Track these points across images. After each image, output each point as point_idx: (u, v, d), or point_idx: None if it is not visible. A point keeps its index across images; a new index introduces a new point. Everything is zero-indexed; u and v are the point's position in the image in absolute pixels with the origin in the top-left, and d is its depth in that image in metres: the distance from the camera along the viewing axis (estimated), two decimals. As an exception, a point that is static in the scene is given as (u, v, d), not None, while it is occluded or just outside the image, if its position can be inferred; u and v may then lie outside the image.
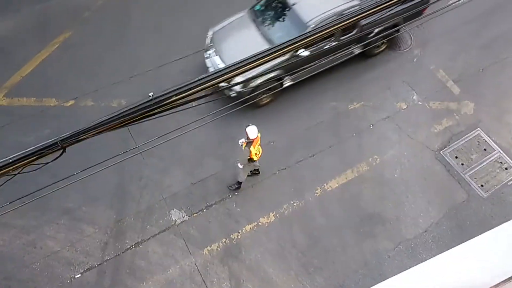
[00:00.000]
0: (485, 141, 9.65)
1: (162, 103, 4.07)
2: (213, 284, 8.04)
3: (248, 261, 8.27)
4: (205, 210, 8.73)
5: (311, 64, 9.00)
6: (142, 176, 9.03)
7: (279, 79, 9.33)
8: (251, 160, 8.10)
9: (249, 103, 8.72)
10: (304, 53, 8.51)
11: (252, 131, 7.80)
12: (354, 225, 8.67)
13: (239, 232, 8.54)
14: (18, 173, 3.89)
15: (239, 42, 9.47)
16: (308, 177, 9.13)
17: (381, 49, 10.61)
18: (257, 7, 9.84)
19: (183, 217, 8.65)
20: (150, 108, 4.05)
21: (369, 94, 10.16)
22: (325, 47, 9.17)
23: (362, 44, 9.88)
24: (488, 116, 9.94)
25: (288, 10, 9.39)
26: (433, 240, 8.56)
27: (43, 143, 3.84)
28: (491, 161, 9.42)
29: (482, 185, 9.13)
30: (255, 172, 8.97)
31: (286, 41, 4.20)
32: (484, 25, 11.20)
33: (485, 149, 9.56)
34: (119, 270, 8.13)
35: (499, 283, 3.49)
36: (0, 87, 9.92)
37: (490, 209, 8.89)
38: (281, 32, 9.28)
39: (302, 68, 9.14)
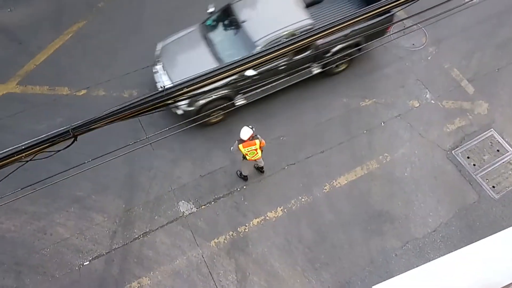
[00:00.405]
0: (498, 142, 9.52)
1: (173, 95, 4.09)
2: (219, 276, 8.09)
3: (255, 255, 8.30)
4: (213, 202, 8.77)
5: (264, 83, 8.60)
6: (151, 167, 9.09)
7: (229, 98, 8.94)
8: (243, 156, 8.10)
9: (197, 123, 8.17)
10: (252, 73, 8.05)
11: (243, 132, 7.73)
12: (362, 222, 8.64)
13: (246, 226, 8.57)
14: (30, 160, 3.95)
15: (187, 58, 9.05)
16: (317, 173, 9.11)
17: (341, 69, 10.07)
18: (208, 22, 9.35)
19: (191, 208, 8.70)
20: (161, 100, 4.07)
21: (382, 91, 10.07)
22: (278, 67, 8.75)
23: (320, 63, 9.42)
24: (502, 117, 9.80)
25: (238, 28, 8.89)
26: (442, 240, 8.50)
27: (55, 131, 3.89)
28: (503, 162, 9.29)
29: (493, 187, 9.02)
30: (259, 170, 8.97)
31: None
32: (500, 24, 11.00)
33: (498, 150, 9.43)
34: (127, 259, 8.22)
35: (508, 285, 3.45)
36: (14, 75, 10.03)
37: (501, 210, 8.79)
38: (230, 50, 8.82)
39: (253, 87, 8.78)
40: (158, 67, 9.15)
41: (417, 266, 3.66)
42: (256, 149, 7.93)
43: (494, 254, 3.64)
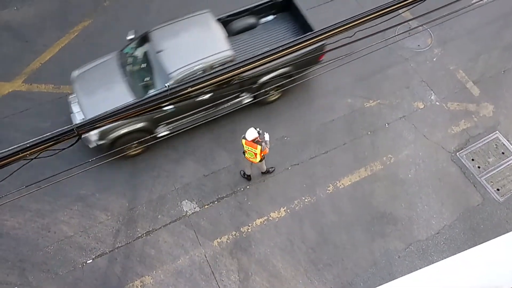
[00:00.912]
0: (503, 144, 9.47)
1: (178, 94, 4.10)
2: (221, 276, 8.10)
3: (257, 255, 8.30)
4: (216, 202, 8.78)
5: (188, 114, 8.20)
6: (155, 166, 9.11)
7: (148, 130, 8.55)
8: (243, 152, 8.12)
9: (115, 157, 7.49)
10: (168, 107, 7.56)
11: (248, 132, 7.74)
12: (365, 224, 8.62)
13: (249, 226, 8.57)
14: (35, 157, 3.97)
15: (101, 88, 8.55)
16: (321, 174, 9.09)
17: (275, 97, 9.61)
18: (126, 50, 8.89)
19: (194, 208, 8.71)
20: (165, 98, 4.08)
21: (386, 93, 10.04)
22: (199, 100, 8.31)
23: (249, 93, 9.03)
24: (507, 119, 9.75)
25: (154, 57, 8.44)
26: (445, 242, 8.46)
27: (60, 129, 3.90)
28: (508, 165, 9.24)
29: (498, 189, 8.97)
30: (263, 172, 8.97)
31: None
32: (507, 26, 10.94)
33: (503, 153, 9.38)
34: (130, 257, 8.24)
35: (511, 289, 3.43)
36: (20, 73, 10.08)
37: (505, 213, 8.74)
38: (146, 80, 8.44)
39: (176, 119, 8.48)
40: (72, 97, 8.76)
41: (420, 268, 3.65)
42: (255, 153, 7.93)
43: (498, 257, 3.62)
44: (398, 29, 9.86)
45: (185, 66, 8.18)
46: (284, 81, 8.96)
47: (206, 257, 8.27)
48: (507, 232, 3.82)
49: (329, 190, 8.94)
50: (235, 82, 8.12)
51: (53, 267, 8.11)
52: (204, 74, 4.19)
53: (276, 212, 8.72)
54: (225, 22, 9.31)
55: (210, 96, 8.38)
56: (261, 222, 8.61)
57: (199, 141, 9.38)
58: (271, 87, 9.12)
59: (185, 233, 8.47)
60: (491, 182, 9.04)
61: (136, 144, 8.63)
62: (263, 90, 9.07)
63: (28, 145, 3.83)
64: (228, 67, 4.17)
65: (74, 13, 10.96)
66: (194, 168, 9.12)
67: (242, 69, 4.15)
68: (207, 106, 8.52)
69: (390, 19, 4.94)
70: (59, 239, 8.36)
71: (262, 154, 8.01)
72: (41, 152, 3.91)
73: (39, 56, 10.30)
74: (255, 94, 9.09)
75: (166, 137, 8.39)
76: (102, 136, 8.22)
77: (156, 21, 10.78)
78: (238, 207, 8.74)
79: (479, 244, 3.68)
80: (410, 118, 9.74)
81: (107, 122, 4.01)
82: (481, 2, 8.07)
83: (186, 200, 8.79)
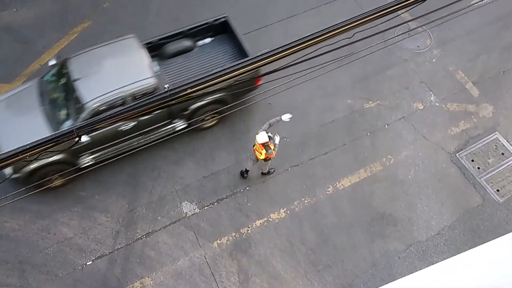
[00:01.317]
0: (503, 145, 9.47)
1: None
2: (221, 277, 8.09)
3: (257, 256, 8.29)
4: (216, 203, 8.77)
5: (112, 144, 7.82)
6: (155, 167, 9.11)
7: (69, 162, 8.10)
8: (253, 145, 8.13)
9: (38, 190, 7.08)
10: (84, 139, 7.51)
11: (258, 136, 7.75)
12: (365, 225, 8.61)
13: (249, 227, 8.56)
14: (35, 159, 3.97)
15: (18, 120, 8.09)
16: (320, 175, 9.09)
17: (211, 124, 9.31)
18: (47, 77, 8.44)
19: (194, 209, 8.71)
20: (164, 101, 4.08)
21: (386, 94, 10.05)
22: (121, 129, 8.03)
23: (182, 120, 8.73)
24: (507, 120, 9.75)
25: (71, 86, 8.00)
26: (445, 243, 8.46)
27: (59, 131, 3.90)
28: (508, 165, 9.24)
29: (498, 190, 8.98)
30: (263, 172, 8.98)
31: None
32: (506, 26, 10.95)
33: (502, 153, 9.38)
34: (129, 259, 8.23)
35: (511, 289, 3.43)
36: (19, 74, 10.07)
37: (505, 214, 8.74)
38: (63, 111, 8.06)
39: (99, 149, 8.13)
40: None
41: (420, 269, 3.65)
42: (260, 152, 7.95)
43: (498, 257, 3.62)
44: (397, 30, 9.87)
45: (102, 95, 7.77)
46: (219, 108, 8.60)
47: (206, 258, 8.26)
48: (507, 233, 3.82)
49: (328, 191, 8.94)
50: (160, 113, 7.66)
51: (53, 269, 8.10)
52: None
53: (276, 213, 8.71)
54: (158, 45, 9.06)
55: (133, 125, 8.13)
56: (261, 223, 8.61)
57: (199, 142, 9.38)
58: (205, 114, 8.78)
59: (185, 235, 8.46)
60: (491, 183, 9.05)
61: (57, 176, 8.17)
62: (197, 118, 8.71)
63: (28, 147, 3.83)
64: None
65: (74, 15, 10.95)
66: (194, 169, 9.12)
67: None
68: (131, 135, 8.21)
69: (390, 20, 4.95)
70: (59, 240, 8.35)
71: (267, 156, 8.03)
72: (41, 154, 3.92)
73: (39, 57, 10.30)
74: (189, 121, 8.74)
75: (92, 168, 7.65)
76: (15, 169, 7.54)
77: (156, 22, 10.84)
78: (238, 208, 8.73)
79: (479, 245, 3.69)
80: (409, 119, 9.74)
81: (106, 123, 4.01)
82: (480, 2, 8.08)
83: (186, 202, 8.78)
